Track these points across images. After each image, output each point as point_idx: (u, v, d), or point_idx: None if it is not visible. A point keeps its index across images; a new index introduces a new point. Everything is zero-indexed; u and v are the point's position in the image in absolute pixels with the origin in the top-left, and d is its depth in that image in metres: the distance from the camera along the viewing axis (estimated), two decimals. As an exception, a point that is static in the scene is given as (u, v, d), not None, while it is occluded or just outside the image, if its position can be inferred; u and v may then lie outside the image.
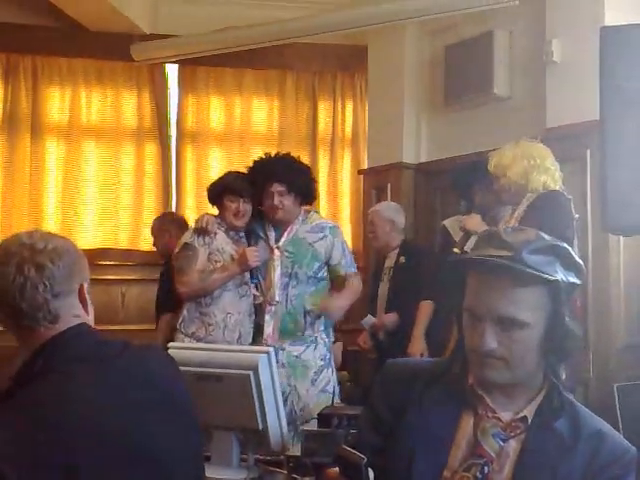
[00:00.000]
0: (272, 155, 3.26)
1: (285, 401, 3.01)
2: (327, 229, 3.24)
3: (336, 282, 3.27)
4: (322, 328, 3.19)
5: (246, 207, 3.20)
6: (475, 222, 3.01)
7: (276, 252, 3.14)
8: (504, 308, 1.28)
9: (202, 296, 3.16)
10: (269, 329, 3.10)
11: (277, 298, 3.10)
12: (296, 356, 3.11)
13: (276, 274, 3.11)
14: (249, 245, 3.19)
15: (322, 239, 3.19)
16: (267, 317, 3.11)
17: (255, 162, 3.27)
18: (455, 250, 2.95)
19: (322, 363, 3.14)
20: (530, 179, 2.86)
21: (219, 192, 3.24)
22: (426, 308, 3.60)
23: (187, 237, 3.21)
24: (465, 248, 2.94)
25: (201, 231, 3.16)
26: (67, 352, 1.31)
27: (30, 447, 1.17)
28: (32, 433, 1.19)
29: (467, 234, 3.00)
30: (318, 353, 3.15)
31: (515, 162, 2.89)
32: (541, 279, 1.27)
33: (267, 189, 3.14)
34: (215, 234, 3.18)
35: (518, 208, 2.91)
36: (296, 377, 3.08)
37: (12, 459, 1.16)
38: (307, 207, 3.31)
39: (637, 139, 2.53)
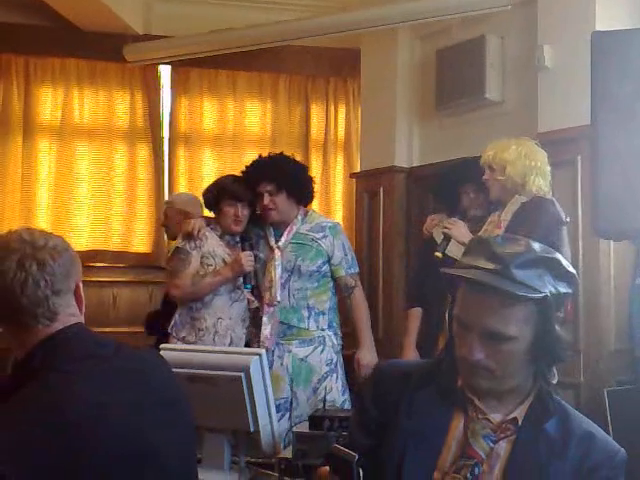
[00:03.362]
0: (263, 156, 3.22)
1: (289, 408, 2.99)
2: (327, 228, 3.21)
3: (338, 283, 3.22)
4: (326, 326, 3.12)
5: (245, 212, 3.18)
6: (462, 232, 2.88)
7: (277, 252, 3.08)
8: (491, 323, 1.30)
9: (194, 300, 3.15)
10: (266, 331, 3.03)
11: (279, 298, 3.05)
12: (302, 359, 3.04)
13: (277, 273, 3.05)
14: (243, 249, 3.16)
15: (324, 238, 3.16)
16: (265, 319, 3.05)
17: (248, 165, 3.23)
18: (437, 254, 2.86)
19: (327, 369, 3.06)
20: (528, 180, 2.83)
21: (217, 196, 3.22)
22: (415, 315, 3.35)
23: (178, 242, 3.22)
24: (446, 252, 2.85)
25: (189, 237, 3.14)
26: (68, 351, 1.31)
27: (32, 448, 1.17)
28: (35, 434, 1.18)
29: (447, 237, 2.90)
30: (325, 356, 3.08)
31: (519, 159, 2.84)
32: (529, 297, 1.28)
33: (258, 190, 3.09)
34: (205, 238, 3.17)
35: (504, 212, 2.87)
36: (298, 384, 3.02)
37: (13, 461, 1.15)
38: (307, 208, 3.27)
39: (628, 144, 2.53)
